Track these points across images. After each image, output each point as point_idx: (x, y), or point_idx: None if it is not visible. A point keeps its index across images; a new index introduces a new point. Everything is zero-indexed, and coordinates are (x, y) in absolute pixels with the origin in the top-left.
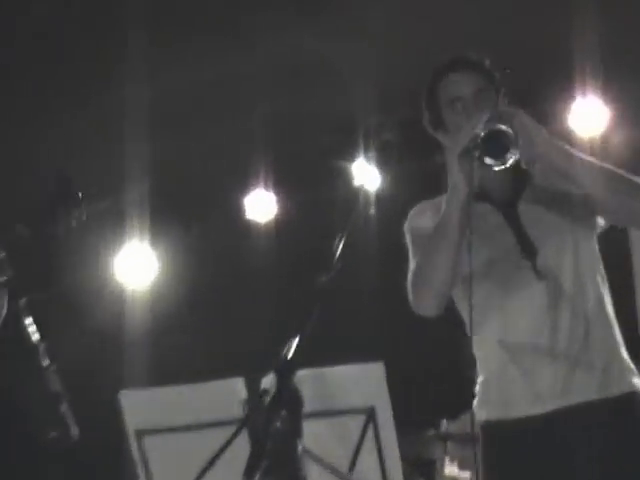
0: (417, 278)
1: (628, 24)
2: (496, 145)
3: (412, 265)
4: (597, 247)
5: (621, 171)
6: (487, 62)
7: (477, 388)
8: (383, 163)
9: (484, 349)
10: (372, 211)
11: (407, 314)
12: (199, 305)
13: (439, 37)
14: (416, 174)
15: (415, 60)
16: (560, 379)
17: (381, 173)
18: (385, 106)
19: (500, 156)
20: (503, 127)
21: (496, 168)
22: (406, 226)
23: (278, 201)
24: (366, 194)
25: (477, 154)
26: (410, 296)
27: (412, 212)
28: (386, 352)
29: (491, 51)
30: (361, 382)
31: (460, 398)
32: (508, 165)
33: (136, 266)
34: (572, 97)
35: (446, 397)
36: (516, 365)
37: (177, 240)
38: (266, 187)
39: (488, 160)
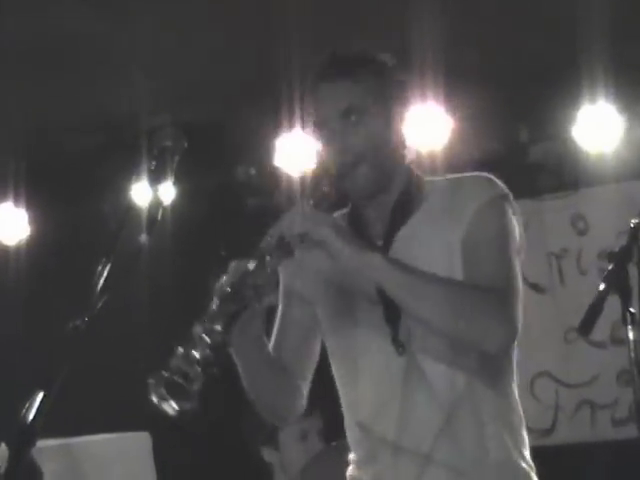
0: (250, 394)
1: (468, 32)
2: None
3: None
4: None
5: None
6: (374, 62)
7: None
8: (157, 176)
9: (347, 430)
10: (144, 235)
11: None
12: None
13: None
14: (206, 190)
15: (214, 49)
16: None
17: (153, 188)
18: (167, 104)
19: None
20: (181, 382)
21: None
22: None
23: (31, 219)
24: (142, 211)
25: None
26: None
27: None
28: (155, 419)
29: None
30: (122, 454)
31: None
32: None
33: None
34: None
35: None
36: (376, 457)
37: None
38: (16, 203)
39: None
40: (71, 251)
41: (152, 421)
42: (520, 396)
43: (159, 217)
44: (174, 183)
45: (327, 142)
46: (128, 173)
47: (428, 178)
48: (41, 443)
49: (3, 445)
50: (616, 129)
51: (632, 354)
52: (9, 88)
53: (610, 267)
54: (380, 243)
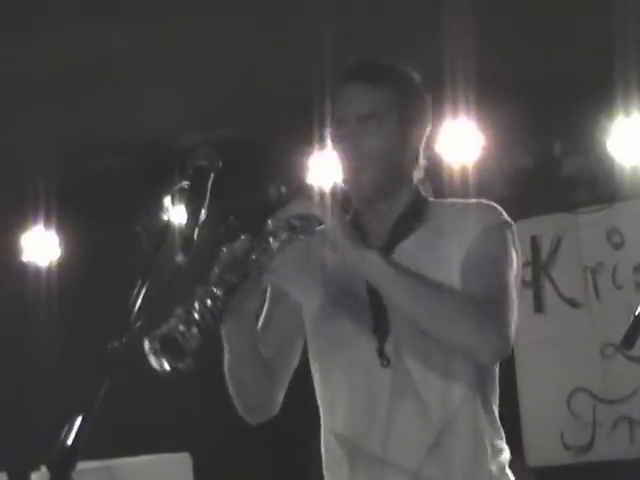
0: (230, 383)
1: (500, 46)
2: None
3: None
4: None
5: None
6: (400, 72)
7: None
8: (192, 196)
9: (323, 440)
10: (182, 255)
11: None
12: None
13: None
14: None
15: (243, 70)
16: None
17: (188, 208)
18: (200, 123)
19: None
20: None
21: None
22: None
23: (61, 241)
24: (176, 232)
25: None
26: None
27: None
28: (195, 439)
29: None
30: (162, 475)
31: None
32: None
33: None
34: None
35: None
36: (356, 469)
37: None
38: (47, 225)
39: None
40: (103, 273)
41: (193, 442)
42: (557, 412)
43: (195, 237)
44: (209, 203)
45: (340, 142)
46: (161, 194)
47: (433, 199)
48: (82, 465)
49: (44, 468)
50: None
51: None
52: (40, 108)
53: None
54: None
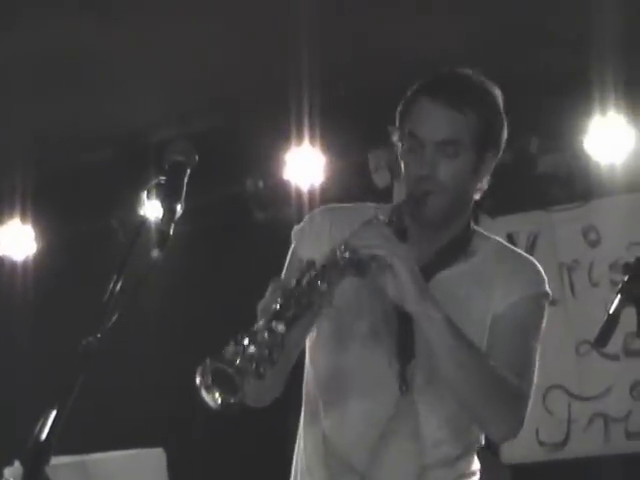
0: None
1: (476, 43)
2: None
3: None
4: None
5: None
6: (485, 93)
7: None
8: (168, 190)
9: (305, 440)
10: (157, 250)
11: None
12: None
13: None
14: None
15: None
16: None
17: (163, 203)
18: (177, 118)
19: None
20: (229, 370)
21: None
22: (294, 239)
23: (37, 236)
24: (152, 228)
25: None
26: None
27: (315, 219)
28: (169, 435)
29: None
30: (136, 471)
31: None
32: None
33: None
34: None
35: None
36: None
37: None
38: (23, 219)
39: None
40: (78, 267)
41: (167, 437)
42: (533, 409)
43: (170, 232)
44: (185, 197)
45: (413, 163)
46: (137, 188)
47: (480, 230)
48: (55, 460)
49: (17, 463)
50: (627, 140)
51: None
52: (16, 103)
53: (625, 278)
54: None
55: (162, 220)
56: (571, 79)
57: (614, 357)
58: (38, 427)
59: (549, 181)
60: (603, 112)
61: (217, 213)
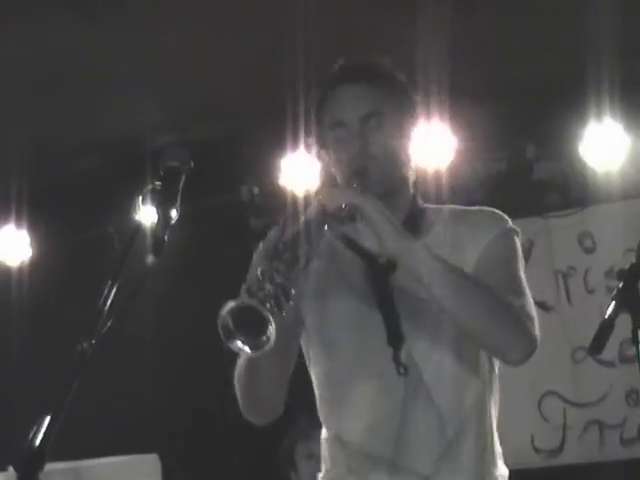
0: (238, 384)
1: (473, 50)
2: (249, 324)
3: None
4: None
5: (482, 285)
6: (392, 73)
7: None
8: (164, 196)
9: (324, 445)
10: (153, 256)
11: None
12: None
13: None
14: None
15: (214, 70)
16: None
17: (159, 209)
18: (172, 124)
19: (254, 337)
20: (254, 304)
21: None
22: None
23: (32, 241)
24: (147, 234)
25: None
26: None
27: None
28: (164, 441)
29: None
30: (130, 477)
31: None
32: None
33: None
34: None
35: None
36: (353, 474)
37: None
38: (18, 225)
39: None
40: (74, 273)
41: (161, 443)
42: (528, 416)
43: (166, 238)
44: (180, 203)
45: (343, 143)
46: (133, 194)
47: (430, 205)
48: (49, 466)
49: (11, 469)
50: (622, 146)
51: None
52: (11, 108)
53: (620, 285)
54: (383, 260)
55: (157, 226)
56: (567, 86)
57: (610, 364)
58: (32, 433)
59: (545, 187)
60: (599, 119)
61: (213, 219)
